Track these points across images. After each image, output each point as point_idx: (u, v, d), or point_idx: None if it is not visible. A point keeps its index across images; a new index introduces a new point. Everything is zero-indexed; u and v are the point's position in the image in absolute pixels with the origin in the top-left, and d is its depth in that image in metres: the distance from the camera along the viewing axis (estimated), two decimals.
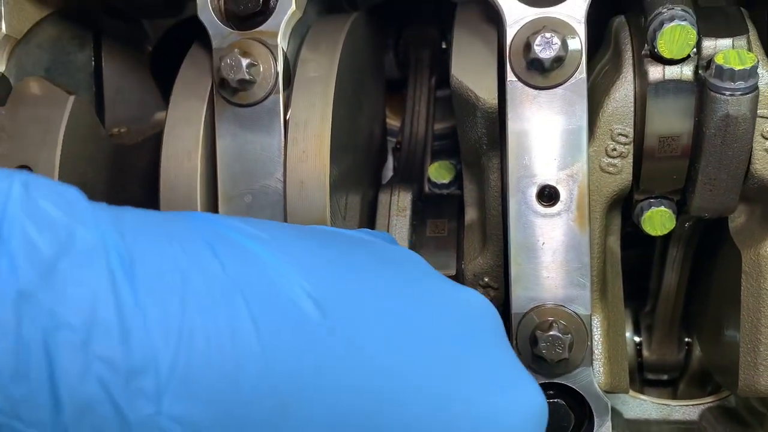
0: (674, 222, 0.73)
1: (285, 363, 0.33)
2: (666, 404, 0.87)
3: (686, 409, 0.86)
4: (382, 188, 0.83)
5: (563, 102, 0.64)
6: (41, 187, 0.31)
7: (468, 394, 0.41)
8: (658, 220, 0.73)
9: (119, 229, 0.32)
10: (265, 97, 0.67)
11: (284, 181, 0.65)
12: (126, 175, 0.81)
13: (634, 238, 0.82)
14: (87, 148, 0.73)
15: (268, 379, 0.33)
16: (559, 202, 0.64)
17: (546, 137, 0.64)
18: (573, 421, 0.65)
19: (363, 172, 0.85)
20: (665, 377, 0.96)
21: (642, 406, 0.87)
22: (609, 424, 0.64)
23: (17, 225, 0.29)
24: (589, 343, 0.64)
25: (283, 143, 0.66)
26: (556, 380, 0.64)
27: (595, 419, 0.64)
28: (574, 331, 0.63)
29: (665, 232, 0.73)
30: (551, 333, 0.61)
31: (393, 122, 1.05)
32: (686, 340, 0.94)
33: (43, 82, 0.72)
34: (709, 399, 0.86)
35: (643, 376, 0.97)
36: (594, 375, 0.66)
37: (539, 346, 0.61)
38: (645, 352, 0.96)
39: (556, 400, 0.65)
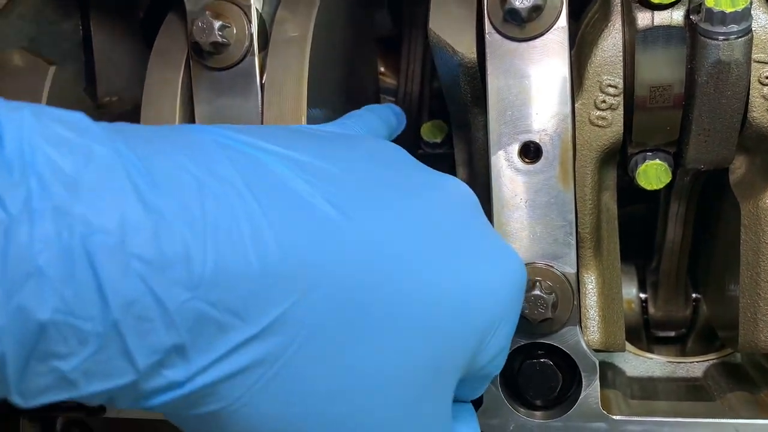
0: (669, 175, 0.70)
1: (304, 255, 0.37)
2: (670, 362, 0.85)
3: (690, 366, 0.84)
4: None
5: (544, 54, 0.61)
6: (51, 114, 0.34)
7: (457, 266, 0.46)
8: (653, 173, 0.70)
9: (130, 143, 0.35)
10: (241, 60, 0.65)
11: None
12: None
13: (639, 193, 0.80)
14: None
15: (287, 268, 0.36)
16: (542, 158, 0.62)
17: (527, 91, 0.62)
18: (561, 380, 0.64)
19: None
20: (673, 334, 0.94)
21: (645, 363, 0.85)
22: (597, 383, 0.63)
23: (38, 149, 0.32)
24: (575, 302, 0.62)
25: (260, 107, 0.65)
26: (542, 340, 0.63)
27: (583, 378, 0.63)
28: (559, 291, 0.61)
29: (661, 186, 0.71)
30: (534, 293, 0.60)
31: (391, 81, 1.03)
32: (694, 296, 0.92)
33: (24, 53, 0.72)
34: (713, 356, 0.83)
35: (650, 334, 0.95)
36: (582, 334, 0.64)
37: (521, 306, 0.60)
38: (651, 309, 0.93)
39: (543, 360, 0.64)
